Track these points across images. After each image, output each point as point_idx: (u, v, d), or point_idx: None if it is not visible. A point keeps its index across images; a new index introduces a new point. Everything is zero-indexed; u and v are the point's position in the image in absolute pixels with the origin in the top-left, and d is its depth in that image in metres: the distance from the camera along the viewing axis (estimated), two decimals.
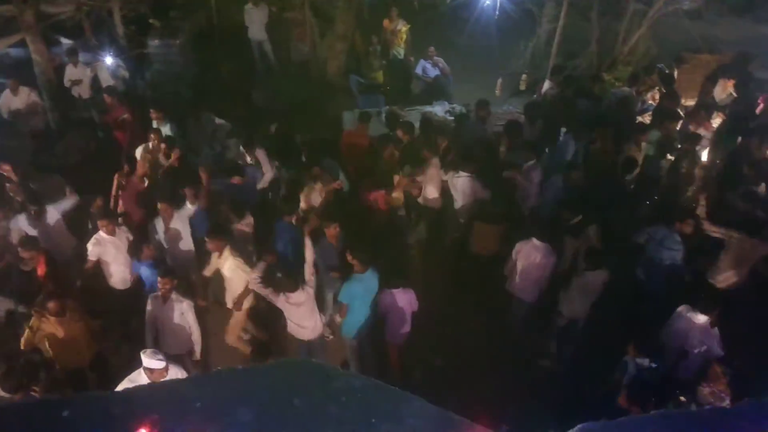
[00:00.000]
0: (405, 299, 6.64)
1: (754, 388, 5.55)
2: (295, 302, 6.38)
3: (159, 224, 7.50)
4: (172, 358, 6.46)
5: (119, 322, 7.29)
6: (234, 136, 9.98)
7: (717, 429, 3.31)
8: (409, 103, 11.89)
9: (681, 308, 6.25)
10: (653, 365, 5.77)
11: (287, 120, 10.63)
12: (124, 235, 7.28)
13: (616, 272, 6.90)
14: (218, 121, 10.39)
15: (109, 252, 7.14)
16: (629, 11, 13.15)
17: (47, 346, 6.13)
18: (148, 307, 6.39)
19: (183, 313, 6.39)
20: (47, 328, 6.04)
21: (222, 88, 12.63)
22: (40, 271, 6.74)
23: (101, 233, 7.10)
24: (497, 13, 13.04)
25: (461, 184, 8.16)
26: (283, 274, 6.51)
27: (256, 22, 13.10)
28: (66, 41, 12.65)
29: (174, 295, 6.32)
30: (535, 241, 6.96)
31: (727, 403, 5.64)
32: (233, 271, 6.95)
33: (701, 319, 6.01)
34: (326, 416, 2.86)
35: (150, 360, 5.15)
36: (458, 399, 4.96)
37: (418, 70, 12.76)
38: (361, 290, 6.54)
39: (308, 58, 13.57)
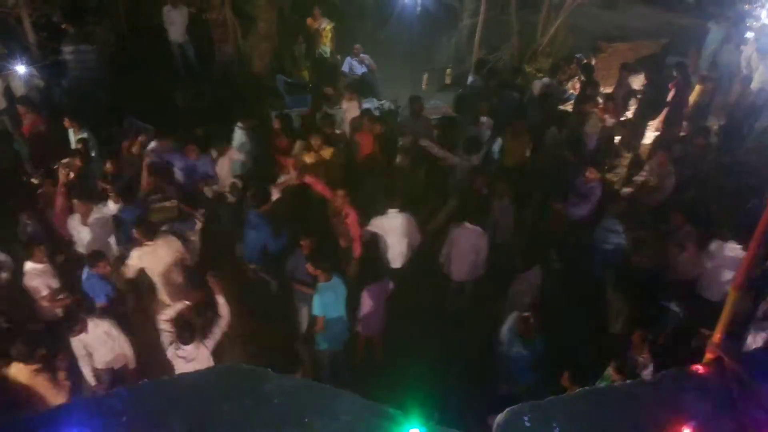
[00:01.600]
0: (382, 291, 6.69)
1: (674, 355, 5.91)
2: (185, 357, 5.78)
3: (75, 223, 7.29)
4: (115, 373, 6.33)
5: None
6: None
7: (638, 401, 3.50)
8: (337, 102, 11.89)
9: (714, 243, 6.87)
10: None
11: (214, 122, 10.43)
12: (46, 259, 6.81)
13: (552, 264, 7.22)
14: (141, 124, 10.12)
15: (46, 282, 6.71)
16: (546, 4, 13.55)
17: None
18: (74, 343, 6.01)
19: (107, 332, 6.12)
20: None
21: (144, 91, 12.28)
22: None
23: (33, 264, 6.63)
24: (419, 9, 13.19)
25: (392, 225, 7.39)
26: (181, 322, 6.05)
27: (176, 24, 12.77)
28: None
29: (92, 322, 6.00)
30: (467, 224, 7.18)
31: (650, 370, 5.91)
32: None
33: (735, 249, 6.61)
34: (258, 419, 2.87)
35: None
36: (392, 390, 5.07)
37: (345, 68, 12.79)
38: (332, 299, 6.39)
39: (232, 59, 13.36)
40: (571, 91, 11.86)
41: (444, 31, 14.37)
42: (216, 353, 5.97)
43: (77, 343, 6.02)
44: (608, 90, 11.77)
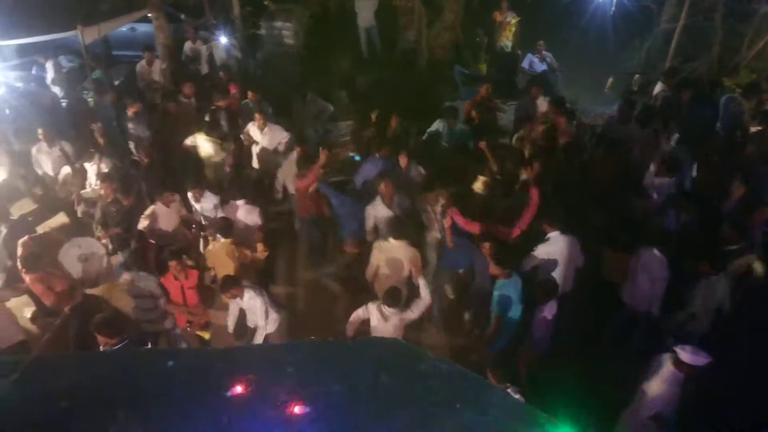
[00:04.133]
0: (551, 310, 6.31)
1: None
2: (382, 313, 6.12)
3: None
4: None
5: None
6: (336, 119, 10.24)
7: None
8: (512, 97, 11.73)
9: None
10: None
11: (389, 107, 10.68)
12: None
13: None
14: (323, 103, 10.61)
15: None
16: (758, 14, 12.31)
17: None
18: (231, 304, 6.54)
19: (251, 308, 6.44)
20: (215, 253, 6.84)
21: (328, 71, 12.89)
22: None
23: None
24: (613, 9, 12.56)
25: (554, 247, 6.78)
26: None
27: (365, 9, 13.27)
28: (186, 19, 13.32)
29: (247, 294, 6.37)
30: (655, 251, 6.58)
31: None
32: None
33: None
34: (411, 396, 2.90)
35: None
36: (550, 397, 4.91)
37: (525, 64, 12.51)
38: (514, 297, 6.10)
39: (414, 47, 13.62)
40: None
41: (637, 35, 13.57)
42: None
43: (233, 304, 6.48)
44: None
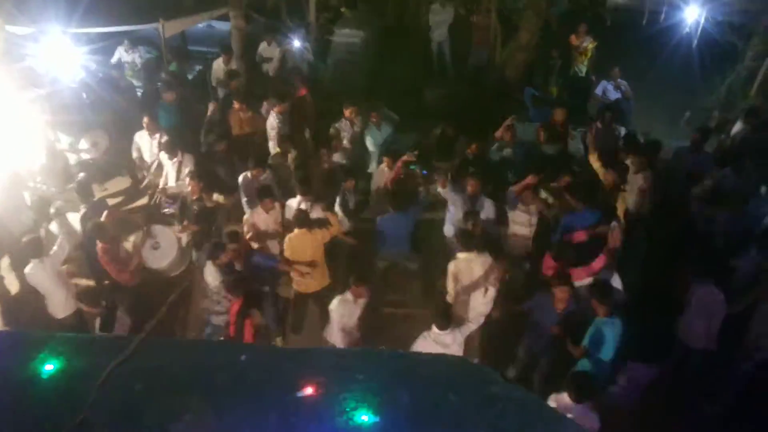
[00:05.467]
0: (648, 373, 6.12)
1: None
2: (441, 342, 5.72)
3: None
4: None
5: None
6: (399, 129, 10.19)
7: None
8: (581, 124, 11.48)
9: None
10: None
11: (455, 122, 10.58)
12: None
13: None
14: (388, 113, 10.61)
15: None
16: None
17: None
18: (337, 308, 6.30)
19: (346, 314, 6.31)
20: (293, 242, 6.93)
21: (397, 82, 12.88)
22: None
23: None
24: (696, 42, 12.17)
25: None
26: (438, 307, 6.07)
27: (440, 23, 13.25)
28: (263, 20, 13.55)
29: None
30: (713, 288, 6.41)
31: None
32: None
33: None
34: (479, 418, 2.80)
35: None
36: None
37: (598, 91, 12.23)
38: (610, 337, 5.84)
39: (486, 64, 13.51)
40: None
41: (719, 71, 13.12)
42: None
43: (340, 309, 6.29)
44: None
